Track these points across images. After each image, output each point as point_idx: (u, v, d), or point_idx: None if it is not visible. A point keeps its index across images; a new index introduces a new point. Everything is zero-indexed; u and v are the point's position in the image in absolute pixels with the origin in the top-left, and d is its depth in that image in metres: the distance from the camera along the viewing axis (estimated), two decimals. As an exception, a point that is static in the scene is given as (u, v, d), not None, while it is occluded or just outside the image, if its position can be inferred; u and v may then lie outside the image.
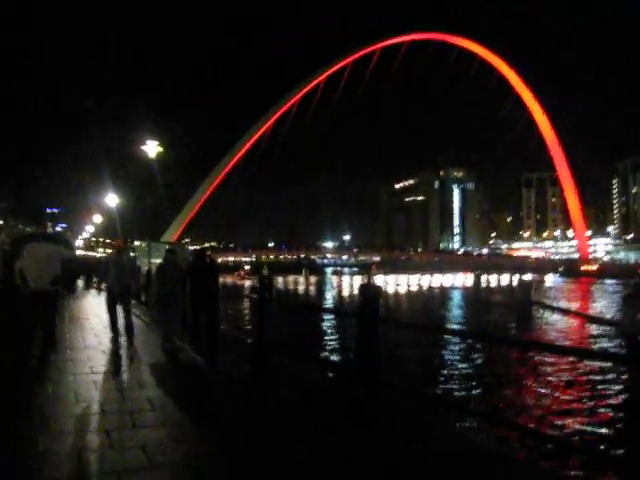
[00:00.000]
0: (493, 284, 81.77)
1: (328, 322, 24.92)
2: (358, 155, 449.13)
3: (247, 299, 29.15)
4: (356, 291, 59.46)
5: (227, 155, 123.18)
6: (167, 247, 10.80)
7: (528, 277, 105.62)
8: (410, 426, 5.42)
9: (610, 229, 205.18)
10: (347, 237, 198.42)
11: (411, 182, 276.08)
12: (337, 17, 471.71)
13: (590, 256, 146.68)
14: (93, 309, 16.24)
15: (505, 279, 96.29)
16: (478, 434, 7.57)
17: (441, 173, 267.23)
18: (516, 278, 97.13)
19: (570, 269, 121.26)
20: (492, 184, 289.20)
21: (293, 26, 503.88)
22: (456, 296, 53.13)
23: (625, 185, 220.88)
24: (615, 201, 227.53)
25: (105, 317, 10.60)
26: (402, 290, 61.37)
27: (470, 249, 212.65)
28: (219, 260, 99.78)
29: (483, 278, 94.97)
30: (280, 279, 78.57)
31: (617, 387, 12.81)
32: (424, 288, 66.32)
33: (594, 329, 25.34)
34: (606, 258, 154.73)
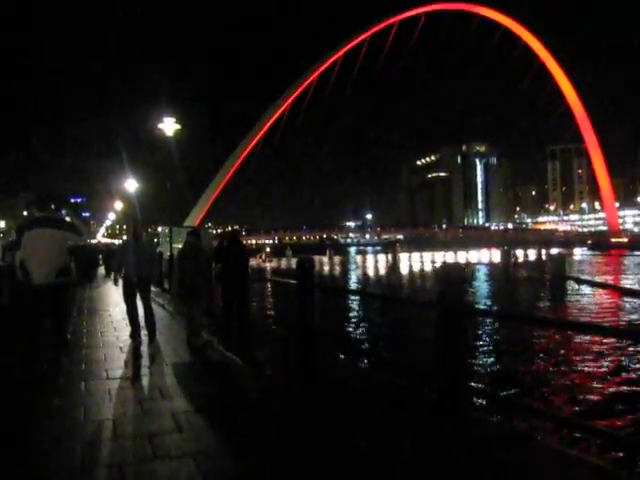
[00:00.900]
0: (522, 259, 79.82)
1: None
2: (378, 132, 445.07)
3: (269, 282, 27.84)
4: (383, 270, 58.42)
5: (246, 138, 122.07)
6: (189, 230, 9.47)
7: (555, 251, 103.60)
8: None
9: (639, 199, 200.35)
10: (369, 216, 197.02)
11: (433, 158, 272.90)
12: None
13: (620, 227, 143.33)
14: (114, 299, 15.16)
15: (532, 254, 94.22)
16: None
17: (463, 148, 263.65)
18: (544, 253, 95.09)
19: (599, 242, 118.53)
20: (516, 157, 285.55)
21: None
22: (487, 273, 51.61)
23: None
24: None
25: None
26: (431, 268, 59.94)
27: (488, 224, 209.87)
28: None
29: (512, 253, 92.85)
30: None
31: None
32: (459, 264, 64.64)
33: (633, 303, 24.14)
34: (636, 229, 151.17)
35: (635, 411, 9.58)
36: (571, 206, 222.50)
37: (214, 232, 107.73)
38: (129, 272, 8.86)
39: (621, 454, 6.04)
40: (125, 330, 9.34)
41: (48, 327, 6.61)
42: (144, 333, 8.86)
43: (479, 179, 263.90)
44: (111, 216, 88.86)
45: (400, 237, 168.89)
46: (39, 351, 6.54)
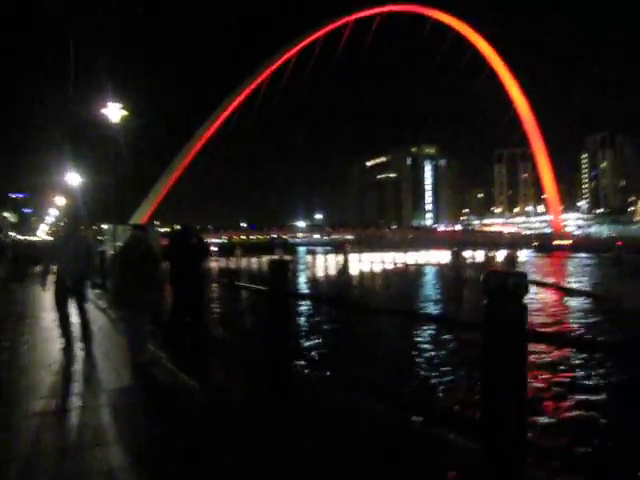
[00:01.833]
0: (471, 260, 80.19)
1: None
2: (329, 133, 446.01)
3: (217, 284, 25.66)
4: (333, 271, 57.33)
5: (196, 134, 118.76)
6: (133, 226, 7.98)
7: (504, 252, 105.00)
8: None
9: (580, 204, 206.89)
10: (319, 216, 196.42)
11: (383, 159, 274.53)
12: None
13: (564, 230, 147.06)
14: (50, 303, 13.50)
15: (480, 255, 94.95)
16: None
17: (413, 150, 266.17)
18: (496, 254, 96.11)
19: (544, 244, 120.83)
20: (464, 161, 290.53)
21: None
22: (436, 274, 51.13)
23: (594, 160, 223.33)
24: (584, 176, 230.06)
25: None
26: (389, 269, 59.28)
27: (435, 226, 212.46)
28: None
29: (461, 254, 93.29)
30: (254, 260, 76.34)
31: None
32: (409, 266, 64.13)
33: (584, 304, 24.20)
34: (577, 232, 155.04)
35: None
36: (516, 209, 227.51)
37: (162, 230, 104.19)
38: (62, 273, 7.44)
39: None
40: (57, 342, 7.85)
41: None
42: (80, 346, 7.44)
43: (428, 181, 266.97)
44: (54, 212, 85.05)
45: (350, 237, 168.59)
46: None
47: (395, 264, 68.93)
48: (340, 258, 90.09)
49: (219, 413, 4.88)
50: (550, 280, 35.67)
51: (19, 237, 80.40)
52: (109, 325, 9.92)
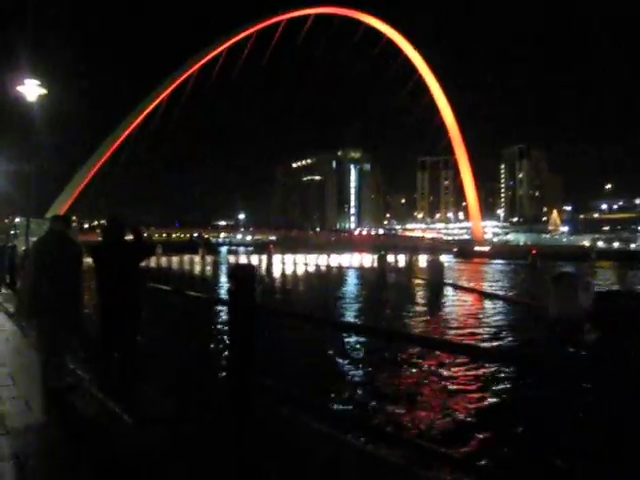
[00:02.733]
0: (395, 264, 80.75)
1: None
2: (255, 133, 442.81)
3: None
4: (263, 273, 56.10)
5: (119, 126, 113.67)
6: (52, 217, 6.40)
7: (425, 257, 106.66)
8: None
9: (499, 212, 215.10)
10: (242, 216, 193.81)
11: (309, 161, 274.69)
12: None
13: (484, 237, 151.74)
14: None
15: (402, 259, 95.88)
16: None
17: (339, 153, 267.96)
18: (420, 258, 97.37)
19: (464, 250, 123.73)
20: (388, 166, 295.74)
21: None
22: (361, 277, 50.75)
23: (512, 170, 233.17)
24: (502, 186, 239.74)
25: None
26: (316, 271, 58.50)
27: (359, 229, 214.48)
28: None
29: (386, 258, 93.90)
30: (175, 259, 74.09)
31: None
32: (334, 268, 63.61)
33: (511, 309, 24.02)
34: (495, 240, 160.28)
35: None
36: (437, 215, 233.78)
37: (81, 227, 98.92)
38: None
39: None
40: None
41: None
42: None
43: (352, 184, 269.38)
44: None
45: (273, 238, 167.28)
46: None
47: (318, 266, 68.35)
48: (264, 259, 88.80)
49: (159, 457, 3.73)
50: (470, 285, 36.27)
51: None
52: (20, 336, 8.42)
